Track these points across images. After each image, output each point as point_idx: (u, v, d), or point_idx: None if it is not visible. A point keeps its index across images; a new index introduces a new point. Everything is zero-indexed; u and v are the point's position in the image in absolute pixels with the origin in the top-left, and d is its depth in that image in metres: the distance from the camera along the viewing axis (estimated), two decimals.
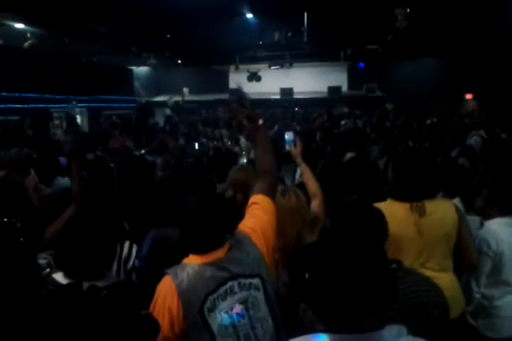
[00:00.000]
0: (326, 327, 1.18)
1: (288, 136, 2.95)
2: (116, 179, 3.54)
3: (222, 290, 1.79)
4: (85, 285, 1.55)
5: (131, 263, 2.42)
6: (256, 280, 1.85)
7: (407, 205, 2.42)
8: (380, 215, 1.91)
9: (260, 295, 1.85)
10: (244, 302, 1.82)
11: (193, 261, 1.82)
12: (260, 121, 2.22)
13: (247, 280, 1.84)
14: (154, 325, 1.59)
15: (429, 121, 11.07)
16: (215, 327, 1.75)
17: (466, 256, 2.51)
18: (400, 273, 1.78)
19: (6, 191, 2.82)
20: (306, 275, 1.19)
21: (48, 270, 1.78)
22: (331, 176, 4.21)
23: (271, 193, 2.08)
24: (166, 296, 1.75)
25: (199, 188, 2.55)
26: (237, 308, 1.81)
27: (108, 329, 1.46)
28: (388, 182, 2.71)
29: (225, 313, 1.78)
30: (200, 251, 1.83)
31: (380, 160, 5.86)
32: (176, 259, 1.86)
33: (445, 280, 2.40)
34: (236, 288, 1.81)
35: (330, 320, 1.17)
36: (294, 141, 3.04)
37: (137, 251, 2.48)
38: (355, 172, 4.28)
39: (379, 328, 1.14)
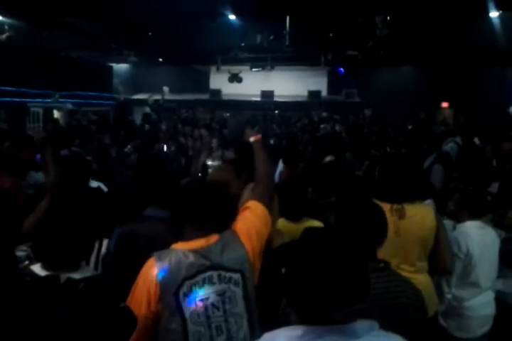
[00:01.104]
0: (300, 319, 1.21)
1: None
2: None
3: (200, 277, 1.82)
4: (63, 277, 1.54)
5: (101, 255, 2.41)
6: (237, 276, 1.87)
7: (388, 206, 2.47)
8: (383, 214, 1.95)
9: (239, 291, 1.87)
10: (221, 294, 1.84)
11: (178, 247, 1.87)
12: (258, 136, 2.37)
13: (228, 274, 1.86)
14: (131, 317, 1.59)
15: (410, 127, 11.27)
16: (187, 313, 1.78)
17: (441, 261, 2.57)
18: (384, 272, 1.83)
19: None
20: (283, 270, 1.23)
21: (26, 262, 1.76)
22: (312, 178, 4.25)
23: (265, 200, 2.15)
24: (147, 276, 1.80)
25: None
26: (213, 299, 1.82)
27: (85, 322, 1.46)
28: (366, 183, 2.77)
29: (200, 301, 1.80)
30: (190, 231, 1.90)
31: (358, 164, 5.96)
32: (143, 254, 1.88)
33: (420, 281, 2.45)
34: (215, 279, 1.84)
35: (302, 313, 1.21)
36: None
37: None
38: (335, 175, 4.34)
39: (350, 321, 1.18)
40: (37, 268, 1.62)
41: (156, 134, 8.64)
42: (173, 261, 1.81)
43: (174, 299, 1.78)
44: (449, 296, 2.84)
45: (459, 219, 3.02)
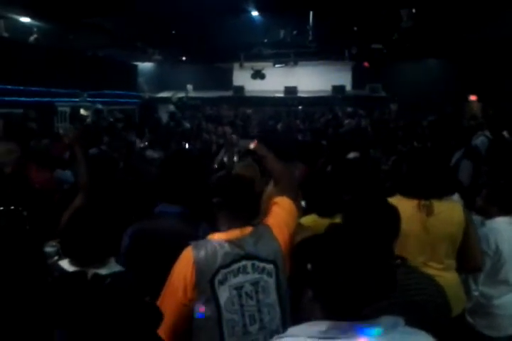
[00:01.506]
0: (324, 314, 1.21)
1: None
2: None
3: (235, 266, 1.87)
4: (90, 272, 1.57)
5: None
6: (270, 266, 1.92)
7: (415, 202, 2.44)
8: (394, 212, 1.93)
9: (272, 282, 1.91)
10: (254, 284, 1.89)
11: (215, 237, 1.94)
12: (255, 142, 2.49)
13: (261, 264, 1.91)
14: (157, 312, 1.61)
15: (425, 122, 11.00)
16: (222, 300, 1.84)
17: (471, 258, 2.50)
18: (403, 269, 1.80)
19: (17, 182, 2.84)
20: (309, 266, 1.23)
21: (56, 257, 1.80)
22: (335, 174, 4.22)
23: (291, 194, 2.22)
24: (184, 263, 1.87)
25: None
26: (247, 288, 1.88)
27: (111, 317, 1.48)
28: (393, 179, 2.74)
29: (234, 289, 1.86)
30: (226, 222, 1.98)
31: (384, 159, 5.87)
32: (159, 250, 1.91)
33: (448, 278, 2.41)
34: (249, 268, 1.89)
35: (329, 308, 1.21)
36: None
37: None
38: (359, 170, 4.30)
39: (375, 316, 1.17)
40: (65, 264, 1.66)
41: (178, 132, 8.71)
42: (209, 250, 1.87)
43: (209, 286, 1.83)
44: (476, 293, 2.78)
45: (487, 214, 2.95)
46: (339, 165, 4.38)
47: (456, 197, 3.28)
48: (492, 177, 4.44)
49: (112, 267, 1.69)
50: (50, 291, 1.48)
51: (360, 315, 1.17)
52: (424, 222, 2.40)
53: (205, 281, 1.83)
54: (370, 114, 14.99)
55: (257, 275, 1.90)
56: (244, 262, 1.89)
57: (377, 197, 2.06)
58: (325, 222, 2.77)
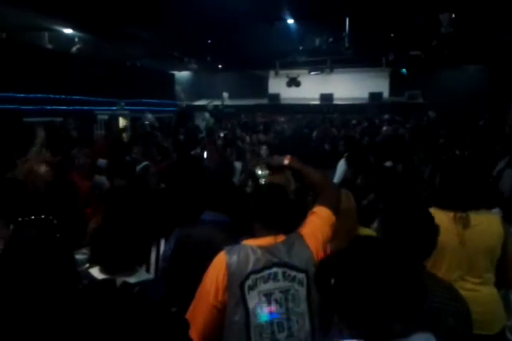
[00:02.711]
0: (352, 333, 1.16)
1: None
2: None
3: (266, 273, 1.88)
4: (118, 281, 1.58)
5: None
6: (301, 275, 1.91)
7: (451, 215, 2.36)
8: (434, 224, 1.87)
9: (302, 291, 1.90)
10: (284, 292, 1.88)
11: (248, 243, 1.97)
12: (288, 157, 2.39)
13: (293, 273, 1.90)
14: (184, 322, 1.60)
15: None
16: (251, 305, 1.84)
17: (510, 273, 2.40)
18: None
19: (56, 190, 2.93)
20: (332, 281, 1.19)
21: (87, 265, 1.83)
22: (373, 183, 4.16)
23: (331, 204, 2.18)
24: (217, 267, 1.90)
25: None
26: (277, 295, 1.87)
27: (139, 326, 1.49)
28: (430, 189, 2.65)
29: (264, 296, 1.86)
30: (260, 230, 2.00)
31: (425, 168, 5.72)
32: (198, 257, 1.93)
33: (485, 293, 2.33)
34: (280, 276, 1.89)
35: (356, 327, 1.16)
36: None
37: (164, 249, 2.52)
38: (398, 179, 4.22)
39: (407, 335, 1.12)
40: (95, 272, 1.68)
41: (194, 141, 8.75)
42: (242, 255, 1.89)
43: (239, 290, 1.85)
44: None
45: None
46: (371, 174, 4.32)
47: (496, 210, 3.16)
48: None
49: (141, 275, 1.71)
50: (79, 299, 1.50)
51: (389, 332, 1.12)
52: (461, 235, 2.32)
53: (236, 285, 1.85)
54: (407, 121, 14.71)
55: (287, 284, 1.89)
56: (275, 269, 1.89)
57: (418, 207, 1.98)
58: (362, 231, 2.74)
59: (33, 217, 1.75)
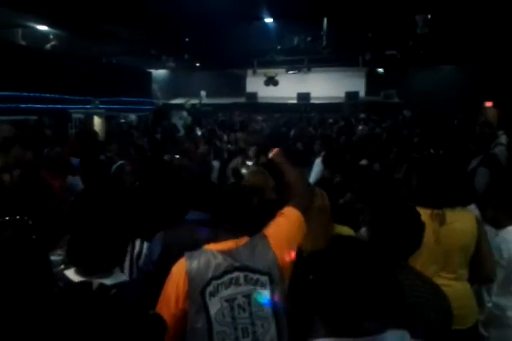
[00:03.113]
0: (326, 330, 1.18)
1: None
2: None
3: (227, 278, 1.85)
4: (95, 283, 1.56)
5: (142, 260, 2.44)
6: (264, 278, 1.88)
7: (428, 212, 2.40)
8: (421, 223, 1.90)
9: (266, 295, 1.87)
10: (247, 296, 1.85)
11: (209, 247, 1.93)
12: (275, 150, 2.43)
13: (255, 276, 1.87)
14: (161, 324, 1.59)
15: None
16: (213, 312, 1.81)
17: (483, 269, 2.46)
18: (403, 270, 1.79)
19: (26, 189, 2.87)
20: (310, 277, 1.21)
21: (62, 266, 1.80)
22: (350, 182, 4.20)
23: (301, 206, 2.15)
24: (177, 273, 1.86)
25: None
26: (240, 300, 1.84)
27: (116, 328, 1.47)
28: (407, 187, 2.70)
29: (226, 301, 1.83)
30: (224, 234, 1.96)
31: (398, 167, 5.80)
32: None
33: (459, 288, 2.37)
34: (241, 280, 1.86)
35: (331, 323, 1.17)
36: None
37: (147, 252, 2.50)
38: (372, 178, 4.26)
39: (381, 332, 1.13)
40: (70, 273, 1.65)
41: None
42: (202, 261, 1.86)
43: (200, 297, 1.81)
44: (489, 305, 2.73)
45: (499, 224, 2.90)
46: (348, 173, 4.36)
47: (472, 206, 3.22)
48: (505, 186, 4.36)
49: (118, 277, 1.68)
50: (55, 302, 1.47)
51: (362, 330, 1.13)
52: (437, 232, 2.36)
53: (197, 292, 1.82)
54: (383, 121, 14.91)
55: (250, 287, 1.86)
56: (236, 273, 1.86)
57: (405, 205, 1.99)
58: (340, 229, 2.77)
59: (7, 218, 1.71)
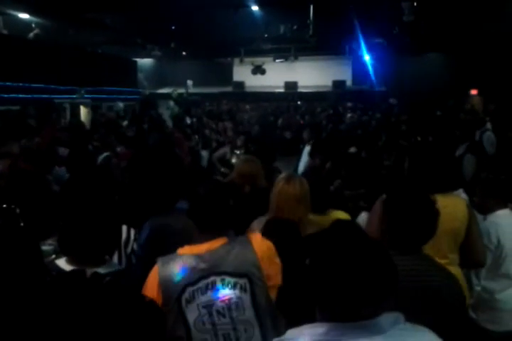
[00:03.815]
0: (324, 315, 1.18)
1: None
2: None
3: (203, 283, 1.75)
4: (88, 271, 1.55)
5: (130, 247, 2.42)
6: (243, 281, 1.78)
7: None
8: (436, 210, 1.89)
9: (246, 298, 1.77)
10: (226, 300, 1.76)
11: (183, 251, 1.82)
12: None
13: (233, 279, 1.77)
14: (158, 311, 1.58)
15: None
16: (191, 320, 1.72)
17: (473, 254, 2.47)
18: (418, 256, 1.79)
19: (17, 180, 2.84)
20: (307, 261, 1.19)
21: (53, 256, 1.77)
22: (338, 170, 4.22)
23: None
24: (150, 284, 1.76)
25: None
26: (218, 305, 1.74)
27: (112, 315, 1.46)
28: (396, 174, 2.71)
29: (204, 308, 1.73)
30: (197, 235, 1.86)
31: (386, 154, 5.83)
32: (174, 248, 1.86)
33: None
34: (218, 284, 1.76)
35: (326, 309, 1.17)
36: None
37: (135, 236, 2.49)
38: (361, 166, 4.29)
39: (375, 316, 1.14)
40: (62, 263, 1.63)
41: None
42: (175, 267, 1.76)
43: (177, 305, 1.72)
44: (478, 288, 2.77)
45: (486, 210, 2.93)
46: (338, 161, 4.38)
47: (460, 191, 3.25)
48: (494, 172, 4.41)
49: (111, 266, 1.66)
50: (49, 290, 1.46)
51: (358, 315, 1.13)
52: None
53: (172, 300, 1.72)
54: (370, 109, 14.96)
55: (228, 291, 1.75)
56: (212, 278, 1.75)
57: (421, 193, 1.97)
58: (318, 218, 2.76)
59: None
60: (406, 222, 1.82)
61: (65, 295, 1.45)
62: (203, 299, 1.73)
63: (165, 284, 1.73)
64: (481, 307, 2.80)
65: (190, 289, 1.73)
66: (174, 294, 1.72)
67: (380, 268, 1.14)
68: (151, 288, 1.75)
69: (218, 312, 1.74)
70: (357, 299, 1.12)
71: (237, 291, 1.76)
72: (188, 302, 1.72)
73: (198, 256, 1.78)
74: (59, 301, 1.43)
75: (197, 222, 1.89)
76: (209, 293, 1.74)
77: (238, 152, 5.63)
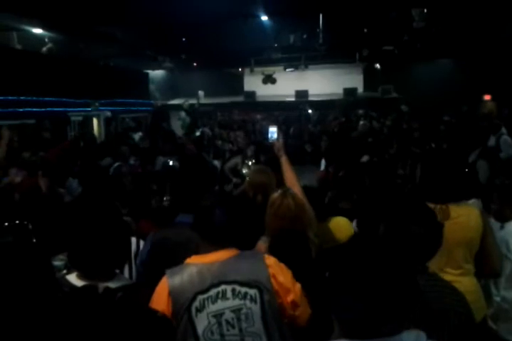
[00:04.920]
0: (341, 331, 1.15)
1: (271, 129, 3.12)
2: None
3: (213, 291, 1.74)
4: (100, 286, 1.54)
5: (139, 259, 2.43)
6: (253, 291, 1.76)
7: (432, 207, 2.37)
8: (439, 225, 1.82)
9: (256, 309, 1.75)
10: (236, 311, 1.73)
11: (192, 261, 1.82)
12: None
13: (243, 289, 1.75)
14: (170, 326, 1.57)
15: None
16: (200, 329, 1.70)
17: (489, 263, 2.43)
18: (425, 276, 1.72)
19: (29, 196, 2.86)
20: (326, 274, 1.17)
21: (64, 271, 1.77)
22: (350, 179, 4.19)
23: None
24: (160, 294, 1.75)
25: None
26: (228, 315, 1.72)
27: (124, 331, 1.45)
28: (412, 182, 2.68)
29: (213, 317, 1.72)
30: (204, 246, 1.86)
31: (400, 164, 5.78)
32: (175, 262, 1.85)
33: (466, 284, 2.35)
34: (229, 294, 1.74)
35: (346, 324, 1.14)
36: (278, 134, 3.13)
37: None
38: (374, 174, 4.25)
39: (396, 333, 1.10)
40: (73, 278, 1.63)
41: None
42: (185, 276, 1.76)
43: (187, 314, 1.71)
44: (497, 299, 2.71)
45: (504, 218, 2.88)
46: (352, 169, 4.35)
47: (474, 200, 3.21)
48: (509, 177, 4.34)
49: (121, 280, 1.66)
50: (61, 307, 1.45)
51: (380, 332, 1.09)
52: None
53: (183, 309, 1.71)
54: (382, 116, 14.89)
55: (238, 302, 1.74)
56: (223, 287, 1.74)
57: (422, 207, 1.90)
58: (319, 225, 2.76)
59: (6, 224, 1.69)
60: (408, 237, 1.74)
61: (78, 312, 1.44)
62: (213, 308, 1.72)
63: (175, 293, 1.73)
64: (502, 318, 2.75)
65: (200, 297, 1.72)
66: (185, 303, 1.71)
67: (400, 284, 1.11)
68: (160, 299, 1.74)
69: (227, 322, 1.72)
70: (377, 315, 1.08)
71: (247, 301, 1.74)
72: (198, 311, 1.71)
73: (208, 265, 1.78)
74: (72, 318, 1.42)
75: (203, 234, 1.88)
76: (219, 302, 1.73)
77: (249, 162, 5.63)
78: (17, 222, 1.71)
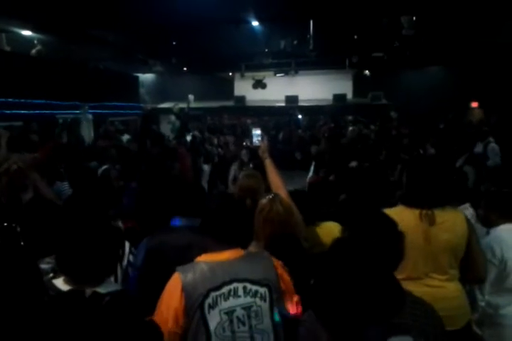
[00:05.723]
0: (328, 336, 1.16)
1: (255, 131, 3.11)
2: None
3: (225, 289, 1.78)
4: (88, 291, 1.53)
5: (125, 261, 2.40)
6: (263, 290, 1.82)
7: (417, 212, 2.39)
8: (398, 234, 1.80)
9: (265, 307, 1.81)
10: (247, 308, 1.79)
11: (203, 259, 1.86)
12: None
13: (254, 287, 1.81)
14: (157, 331, 1.56)
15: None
16: (212, 327, 1.74)
17: (474, 269, 2.44)
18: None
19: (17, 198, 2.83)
20: (312, 281, 1.19)
21: (51, 275, 1.75)
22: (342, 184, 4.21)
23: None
24: (172, 291, 1.78)
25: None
26: (239, 312, 1.77)
27: (111, 336, 1.44)
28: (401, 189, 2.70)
29: (225, 314, 1.76)
30: (213, 245, 1.89)
31: (390, 170, 5.81)
32: (175, 264, 1.87)
33: (451, 289, 2.38)
34: (240, 291, 1.79)
35: (332, 328, 1.15)
36: (262, 136, 3.14)
37: (130, 249, 2.47)
38: (365, 180, 4.28)
39: (384, 338, 1.11)
40: (59, 283, 1.60)
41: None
42: (198, 273, 1.79)
43: (199, 311, 1.75)
44: (482, 304, 2.74)
45: (490, 223, 2.92)
46: (342, 174, 4.37)
47: (466, 205, 3.24)
48: (496, 185, 4.41)
49: (110, 286, 1.64)
50: (47, 311, 1.44)
51: (365, 336, 1.11)
52: (427, 232, 2.35)
53: (195, 306, 1.75)
54: (371, 122, 14.99)
55: (249, 299, 1.79)
56: (235, 284, 1.79)
57: (381, 216, 1.91)
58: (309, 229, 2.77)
59: None
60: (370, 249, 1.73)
61: (64, 316, 1.44)
62: (225, 305, 1.76)
63: (189, 288, 1.76)
64: (486, 323, 2.77)
65: (213, 294, 1.76)
66: (198, 299, 1.75)
67: (381, 287, 1.12)
68: (172, 295, 1.77)
69: (238, 319, 1.77)
70: (359, 316, 1.10)
71: (257, 299, 1.80)
72: (211, 307, 1.75)
73: (219, 263, 1.82)
74: (57, 322, 1.42)
75: (213, 234, 1.91)
76: (231, 299, 1.77)
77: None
78: (5, 224, 1.69)
